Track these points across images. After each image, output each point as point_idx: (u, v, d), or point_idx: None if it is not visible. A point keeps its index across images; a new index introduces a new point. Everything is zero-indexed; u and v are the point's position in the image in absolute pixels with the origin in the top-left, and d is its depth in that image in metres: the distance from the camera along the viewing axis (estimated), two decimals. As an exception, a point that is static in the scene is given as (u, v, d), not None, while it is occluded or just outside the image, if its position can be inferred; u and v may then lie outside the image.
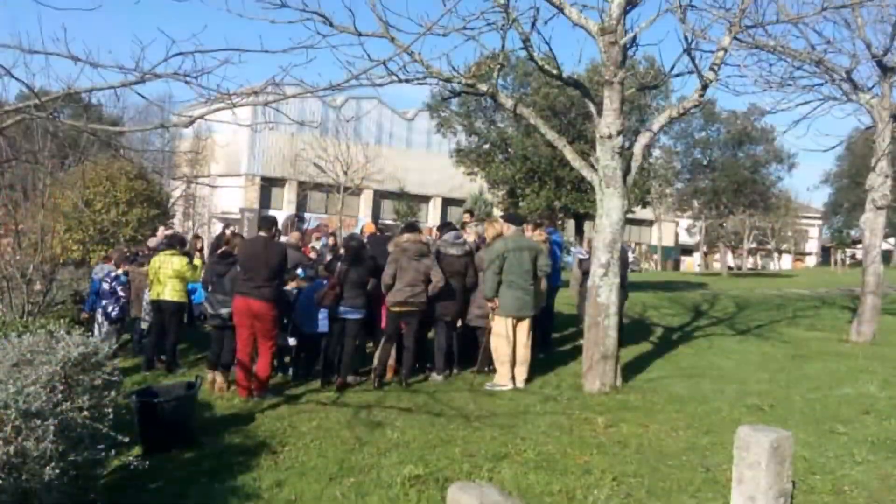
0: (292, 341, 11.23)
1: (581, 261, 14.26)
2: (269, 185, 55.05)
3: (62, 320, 9.00)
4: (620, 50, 9.71)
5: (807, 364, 12.05)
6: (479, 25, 9.70)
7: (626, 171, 10.15)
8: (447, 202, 60.15)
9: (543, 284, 11.46)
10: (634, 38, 9.98)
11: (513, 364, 10.45)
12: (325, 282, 10.74)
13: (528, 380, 10.56)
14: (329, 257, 12.07)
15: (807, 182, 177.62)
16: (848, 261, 64.55)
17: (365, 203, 57.32)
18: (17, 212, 13.49)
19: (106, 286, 12.50)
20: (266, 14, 8.29)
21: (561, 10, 9.72)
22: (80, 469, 5.53)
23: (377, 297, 10.84)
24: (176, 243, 12.22)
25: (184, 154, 48.33)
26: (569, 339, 14.07)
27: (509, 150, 26.81)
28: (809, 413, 8.87)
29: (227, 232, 13.44)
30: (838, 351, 13.32)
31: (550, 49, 10.61)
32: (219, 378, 10.40)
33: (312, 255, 13.66)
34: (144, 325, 12.80)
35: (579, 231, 28.36)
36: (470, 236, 11.98)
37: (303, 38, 7.53)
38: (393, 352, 10.96)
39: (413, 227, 11.12)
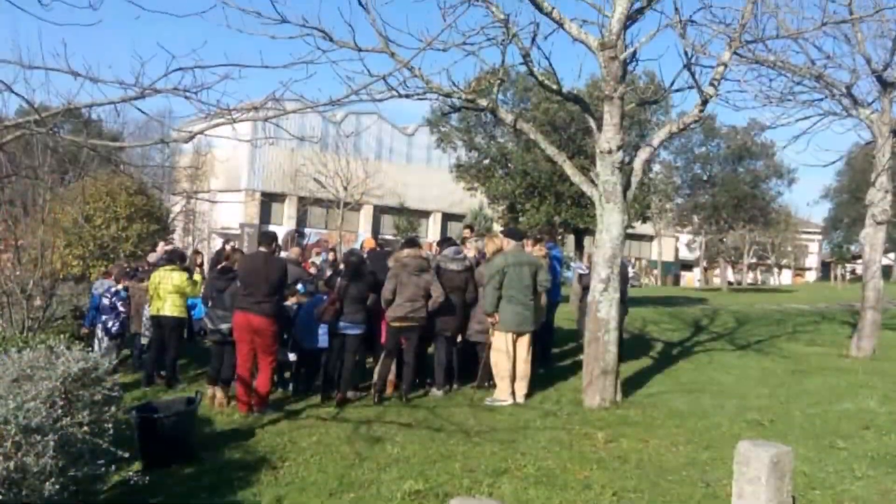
0: (292, 356, 11.21)
1: (581, 276, 14.25)
2: (269, 200, 55.16)
3: (62, 336, 8.99)
4: (620, 65, 9.73)
5: (807, 379, 12.04)
6: (479, 40, 9.73)
7: (626, 187, 10.16)
8: (447, 217, 60.28)
9: (543, 300, 11.47)
10: (634, 53, 10.02)
11: (513, 379, 10.44)
12: (325, 297, 10.74)
13: (528, 395, 10.54)
14: (329, 272, 12.08)
15: (807, 197, 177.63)
16: (848, 276, 64.60)
17: (365, 218, 57.41)
18: (17, 227, 13.53)
19: (106, 301, 12.51)
20: (266, 29, 8.30)
21: (561, 25, 9.75)
22: (80, 484, 5.53)
23: (377, 312, 10.84)
24: (176, 258, 12.22)
25: (184, 169, 48.42)
26: (569, 355, 14.05)
27: (509, 165, 26.89)
28: (809, 428, 8.86)
29: (227, 247, 13.45)
30: (838, 366, 13.30)
31: (550, 64, 10.65)
32: (219, 393, 10.39)
33: (312, 270, 13.66)
34: (144, 341, 12.80)
35: (579, 246, 28.43)
36: (470, 251, 11.99)
37: (303, 54, 7.54)
38: (393, 367, 10.96)
39: (413, 243, 11.13)
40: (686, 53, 9.94)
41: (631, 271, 44.02)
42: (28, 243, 13.57)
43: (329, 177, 43.60)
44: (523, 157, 25.41)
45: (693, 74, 10.05)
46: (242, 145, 43.54)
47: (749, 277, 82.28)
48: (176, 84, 6.34)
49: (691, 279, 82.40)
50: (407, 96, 9.65)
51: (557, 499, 6.49)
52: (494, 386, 10.61)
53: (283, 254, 12.52)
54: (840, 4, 12.86)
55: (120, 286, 12.69)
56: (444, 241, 12.24)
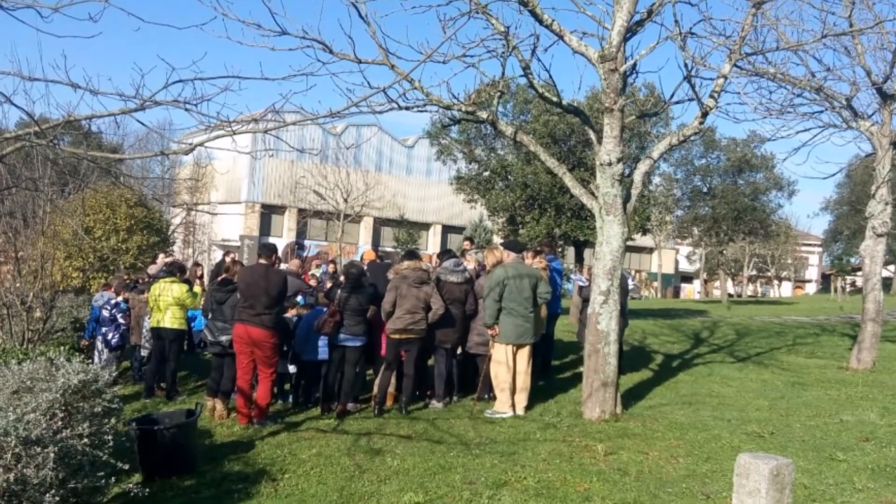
0: (292, 368, 11.22)
1: (581, 288, 14.26)
2: (269, 212, 55.16)
3: (62, 347, 9.01)
4: (620, 77, 9.74)
5: (806, 391, 12.02)
6: (479, 53, 9.76)
7: (626, 199, 10.16)
8: (447, 229, 60.31)
9: (543, 311, 11.46)
10: (634, 65, 10.03)
11: (513, 391, 10.42)
12: (324, 309, 10.74)
13: (528, 407, 10.53)
14: (329, 284, 12.08)
15: (807, 209, 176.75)
16: (848, 288, 64.51)
17: (365, 230, 57.41)
18: (18, 239, 13.53)
19: (106, 313, 12.52)
20: (266, 41, 8.31)
21: (561, 37, 9.76)
22: (79, 496, 5.52)
23: (377, 324, 10.84)
24: (176, 270, 12.23)
25: (184, 181, 48.52)
26: (569, 367, 14.04)
27: (509, 177, 26.86)
28: (809, 440, 8.85)
29: (228, 259, 13.45)
30: (838, 378, 13.28)
31: (550, 76, 10.66)
32: (219, 405, 10.39)
33: (312, 282, 13.68)
34: (144, 353, 12.80)
35: (579, 258, 28.38)
36: (470, 264, 11.99)
37: (303, 66, 7.59)
38: (393, 379, 10.95)
39: (413, 255, 11.12)
40: (686, 65, 9.96)
41: (631, 283, 43.99)
42: (28, 255, 13.58)
43: (329, 189, 43.59)
44: (523, 170, 25.39)
45: (693, 86, 10.07)
46: (242, 157, 43.65)
47: (749, 289, 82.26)
48: (176, 96, 6.37)
49: (691, 291, 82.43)
50: (407, 108, 9.65)
51: (557, 511, 6.48)
52: (494, 398, 10.59)
53: (283, 266, 12.54)
54: (840, 17, 12.90)
55: (120, 298, 12.71)
56: (444, 253, 12.24)
